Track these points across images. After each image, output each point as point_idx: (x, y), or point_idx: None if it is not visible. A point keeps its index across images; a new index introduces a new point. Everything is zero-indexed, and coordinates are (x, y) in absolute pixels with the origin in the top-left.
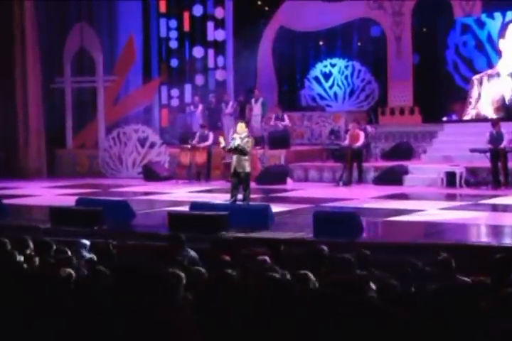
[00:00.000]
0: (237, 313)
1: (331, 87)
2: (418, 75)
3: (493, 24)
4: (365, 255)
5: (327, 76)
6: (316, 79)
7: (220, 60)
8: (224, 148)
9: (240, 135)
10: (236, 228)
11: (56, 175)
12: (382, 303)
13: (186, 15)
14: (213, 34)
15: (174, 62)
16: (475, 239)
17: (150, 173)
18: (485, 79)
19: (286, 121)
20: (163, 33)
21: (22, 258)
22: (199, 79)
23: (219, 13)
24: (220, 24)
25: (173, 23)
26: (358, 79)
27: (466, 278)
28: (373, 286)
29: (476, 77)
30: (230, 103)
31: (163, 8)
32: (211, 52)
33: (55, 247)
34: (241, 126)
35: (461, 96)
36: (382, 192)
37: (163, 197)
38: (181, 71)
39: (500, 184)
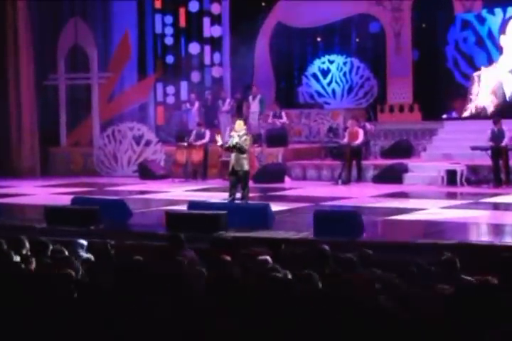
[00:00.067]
0: (241, 313)
1: (329, 84)
2: (418, 72)
3: (494, 20)
4: (368, 254)
5: (325, 73)
6: (314, 76)
7: (217, 57)
8: (222, 146)
9: (238, 133)
10: (235, 227)
11: (50, 174)
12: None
13: (182, 11)
14: (209, 30)
15: (170, 59)
16: (477, 238)
17: (145, 172)
18: (485, 75)
19: (284, 119)
20: (158, 29)
21: (18, 259)
22: (195, 76)
23: (215, 8)
24: (216, 20)
25: (169, 19)
26: (356, 76)
27: (470, 278)
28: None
29: (476, 74)
30: (227, 100)
31: (158, 3)
32: (207, 48)
33: (51, 247)
34: (239, 124)
35: (461, 93)
36: (382, 191)
37: (160, 196)
38: (177, 68)
39: (501, 182)
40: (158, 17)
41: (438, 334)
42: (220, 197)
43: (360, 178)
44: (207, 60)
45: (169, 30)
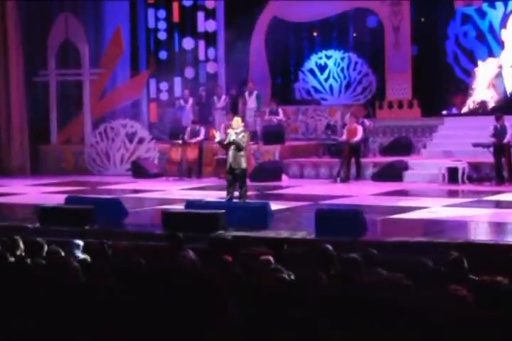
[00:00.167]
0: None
1: (326, 80)
2: (417, 67)
3: (495, 14)
4: (372, 254)
5: (322, 68)
6: (311, 71)
7: (211, 52)
8: (219, 142)
9: (235, 130)
10: (234, 227)
11: (40, 173)
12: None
13: (175, 5)
14: (204, 25)
15: (163, 55)
16: (481, 237)
17: (139, 170)
18: (483, 69)
19: (281, 116)
20: (151, 24)
21: (13, 259)
22: (189, 72)
23: (210, 3)
24: (210, 14)
25: (162, 14)
26: (354, 72)
27: (476, 278)
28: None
29: (477, 69)
30: (223, 97)
31: None
32: (202, 43)
33: (46, 248)
34: (237, 121)
35: (461, 89)
36: (381, 189)
37: (154, 195)
38: (170, 63)
39: (504, 180)
40: (151, 11)
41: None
42: (216, 195)
43: (359, 176)
44: (201, 56)
45: (162, 25)
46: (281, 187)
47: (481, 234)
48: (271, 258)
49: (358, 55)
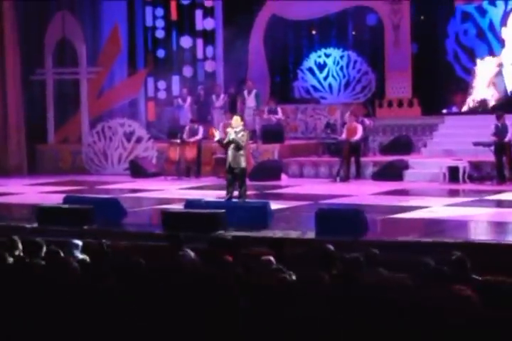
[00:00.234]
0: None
1: (325, 79)
2: (417, 66)
3: (495, 12)
4: (374, 254)
5: (321, 67)
6: (310, 70)
7: (210, 51)
8: (219, 141)
9: (234, 129)
10: (234, 226)
11: (37, 172)
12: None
13: (173, 3)
14: (202, 23)
15: (161, 53)
16: (483, 237)
17: (137, 169)
18: (482, 67)
19: (280, 114)
20: (149, 22)
21: (11, 260)
22: (187, 71)
23: (208, 0)
24: (209, 12)
25: (160, 12)
26: (353, 70)
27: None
28: None
29: (477, 68)
30: (221, 96)
31: None
32: (200, 42)
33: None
34: (236, 120)
35: (461, 87)
36: (382, 188)
37: (153, 195)
38: (168, 62)
39: (505, 179)
40: (148, 9)
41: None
42: (215, 195)
43: (359, 175)
44: (199, 54)
45: (160, 23)
46: (280, 187)
47: (482, 233)
48: (272, 259)
49: (357, 54)
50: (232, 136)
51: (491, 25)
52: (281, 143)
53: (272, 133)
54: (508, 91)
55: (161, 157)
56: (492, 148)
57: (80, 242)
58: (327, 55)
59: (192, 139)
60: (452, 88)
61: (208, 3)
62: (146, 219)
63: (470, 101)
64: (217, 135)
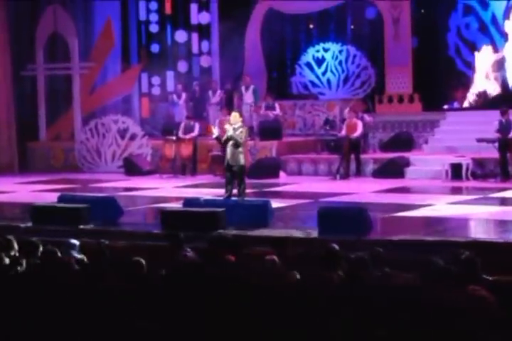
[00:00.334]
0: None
1: (324, 74)
2: (417, 60)
3: (498, 5)
4: (379, 253)
5: (320, 62)
6: (308, 65)
7: (205, 45)
8: (217, 138)
9: (233, 125)
10: (234, 225)
11: (29, 170)
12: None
13: None
14: (197, 17)
15: (155, 48)
16: (488, 236)
17: (131, 167)
18: (481, 60)
19: (277, 110)
20: (142, 16)
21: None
22: (182, 66)
23: None
24: (204, 6)
25: (154, 5)
26: (353, 65)
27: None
28: None
29: (476, 60)
30: (218, 92)
31: None
32: (195, 36)
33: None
34: (235, 116)
35: (463, 82)
36: (383, 186)
37: (148, 193)
38: (163, 57)
39: (509, 176)
40: (142, 3)
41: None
42: (212, 193)
43: (359, 173)
44: (194, 49)
45: (154, 17)
46: (279, 185)
47: (487, 232)
48: (275, 258)
49: (356, 48)
50: (230, 132)
51: (494, 19)
52: (279, 139)
53: (269, 130)
54: (510, 85)
55: (155, 154)
56: (496, 144)
57: (77, 242)
58: (325, 50)
59: (188, 136)
60: (454, 83)
61: None
62: (144, 218)
63: (470, 96)
64: (215, 132)
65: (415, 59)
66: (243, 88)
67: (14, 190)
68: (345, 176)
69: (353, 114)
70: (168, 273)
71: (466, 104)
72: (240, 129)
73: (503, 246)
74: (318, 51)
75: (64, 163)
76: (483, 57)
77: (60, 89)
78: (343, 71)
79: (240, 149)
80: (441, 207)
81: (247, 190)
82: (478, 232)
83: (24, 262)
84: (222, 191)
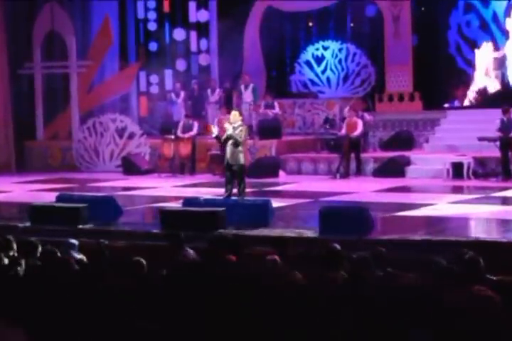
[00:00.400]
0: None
1: (323, 72)
2: (418, 58)
3: (499, 2)
4: (381, 253)
5: (319, 60)
6: (308, 63)
7: (204, 43)
8: (217, 137)
9: (233, 124)
10: (234, 225)
11: (26, 170)
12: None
13: None
14: (196, 15)
15: (153, 46)
16: (490, 235)
17: (130, 166)
18: (483, 56)
19: (277, 109)
20: (140, 14)
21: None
22: (180, 64)
23: None
24: (202, 4)
25: (152, 3)
26: (352, 63)
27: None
28: None
29: (476, 57)
30: (216, 90)
31: None
32: (193, 34)
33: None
34: (234, 115)
35: (464, 81)
36: (383, 185)
37: (147, 193)
38: (161, 55)
39: (510, 175)
40: (140, 1)
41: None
42: (211, 192)
43: (359, 172)
44: (193, 47)
45: (152, 15)
46: (278, 184)
47: (489, 231)
48: (277, 258)
49: (356, 46)
50: (229, 131)
51: (495, 16)
52: (279, 138)
53: (268, 129)
54: (511, 83)
55: (154, 153)
56: (497, 143)
57: (76, 242)
58: (325, 48)
59: (186, 135)
60: (454, 81)
61: None
62: (143, 217)
63: (470, 93)
64: (215, 131)
65: (415, 57)
66: (242, 87)
67: (11, 189)
68: (346, 175)
69: (353, 113)
70: (168, 273)
71: (466, 103)
72: (240, 128)
73: (505, 245)
74: (317, 49)
75: (62, 162)
76: (484, 55)
77: (58, 87)
78: (342, 69)
79: (240, 148)
80: (443, 206)
81: (247, 190)
82: (479, 232)
83: (23, 262)
84: (221, 190)
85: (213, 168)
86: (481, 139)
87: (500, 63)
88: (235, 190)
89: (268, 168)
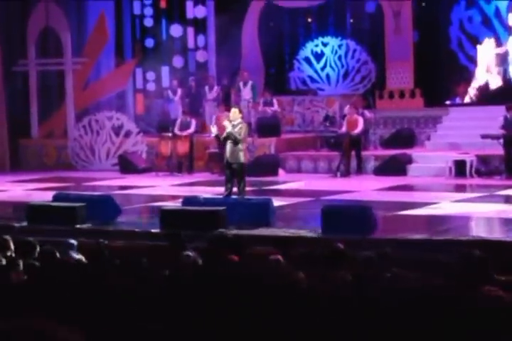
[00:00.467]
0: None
1: (323, 69)
2: (419, 54)
3: None
4: (386, 253)
5: (318, 56)
6: (307, 60)
7: (201, 40)
8: (216, 136)
9: (232, 122)
10: (235, 225)
11: (20, 168)
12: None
13: None
14: (193, 11)
15: (150, 42)
16: (494, 235)
17: (126, 165)
18: (485, 52)
19: (276, 107)
20: (136, 10)
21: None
22: (178, 61)
23: None
24: (200, 0)
25: None
26: (352, 60)
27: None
28: None
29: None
30: (214, 87)
31: None
32: (191, 30)
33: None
34: (234, 112)
35: (466, 77)
36: (385, 184)
37: (145, 191)
38: (158, 52)
39: None
40: None
41: None
42: (210, 191)
43: (360, 170)
44: (190, 44)
45: (149, 11)
46: (278, 182)
47: (493, 230)
48: (280, 258)
49: (356, 42)
50: (229, 129)
51: (497, 12)
52: (278, 136)
53: (267, 127)
54: None
55: (151, 152)
56: (501, 140)
57: (75, 242)
58: (324, 44)
59: (184, 133)
60: (456, 78)
61: None
62: (142, 217)
63: (471, 90)
64: (214, 131)
65: (416, 53)
66: (241, 84)
67: (6, 188)
68: (346, 173)
69: (353, 110)
70: (171, 274)
71: (467, 99)
72: (240, 126)
73: (509, 244)
74: (317, 45)
75: (57, 161)
76: (486, 51)
77: (53, 85)
78: (342, 66)
79: (240, 146)
80: (446, 205)
81: (246, 188)
82: (483, 231)
83: (21, 263)
84: (220, 189)
85: (212, 167)
86: (484, 137)
87: (503, 59)
88: (234, 189)
89: (267, 166)
